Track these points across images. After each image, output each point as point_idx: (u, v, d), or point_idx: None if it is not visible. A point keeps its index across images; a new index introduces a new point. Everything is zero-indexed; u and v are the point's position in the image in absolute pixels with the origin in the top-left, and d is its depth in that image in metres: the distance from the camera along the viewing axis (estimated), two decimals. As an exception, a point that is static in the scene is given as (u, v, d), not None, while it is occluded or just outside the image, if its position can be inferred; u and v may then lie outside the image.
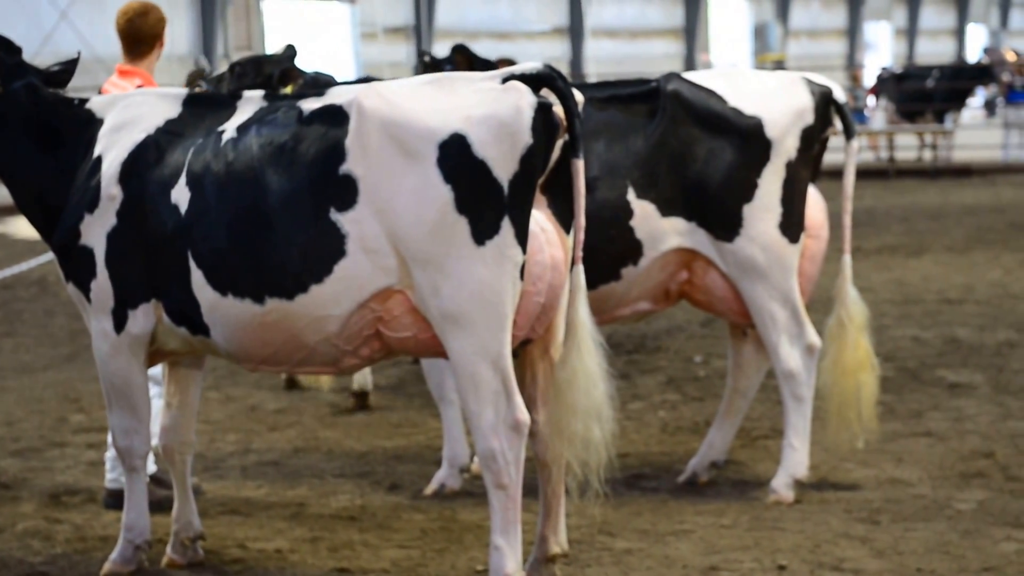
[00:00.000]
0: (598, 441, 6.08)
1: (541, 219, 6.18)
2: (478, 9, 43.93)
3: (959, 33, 67.18)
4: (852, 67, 47.72)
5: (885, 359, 11.04)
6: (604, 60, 43.44)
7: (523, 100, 5.94)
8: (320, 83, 8.61)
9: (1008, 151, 31.11)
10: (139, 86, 7.63)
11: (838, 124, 7.82)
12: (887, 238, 18.93)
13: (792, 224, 7.57)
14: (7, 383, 11.47)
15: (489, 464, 6.00)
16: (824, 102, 7.69)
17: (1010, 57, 38.50)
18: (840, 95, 7.81)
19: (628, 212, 7.45)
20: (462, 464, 8.08)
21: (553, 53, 42.86)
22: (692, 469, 8.09)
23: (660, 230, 7.50)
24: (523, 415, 6.00)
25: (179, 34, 33.27)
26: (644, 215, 7.48)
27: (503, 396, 5.95)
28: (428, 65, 11.08)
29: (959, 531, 7.06)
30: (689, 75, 7.82)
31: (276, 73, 8.91)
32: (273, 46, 30.78)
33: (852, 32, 59.14)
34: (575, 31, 45.05)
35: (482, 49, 41.88)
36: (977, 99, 39.14)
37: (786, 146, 7.54)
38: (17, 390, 11.16)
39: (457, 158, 5.91)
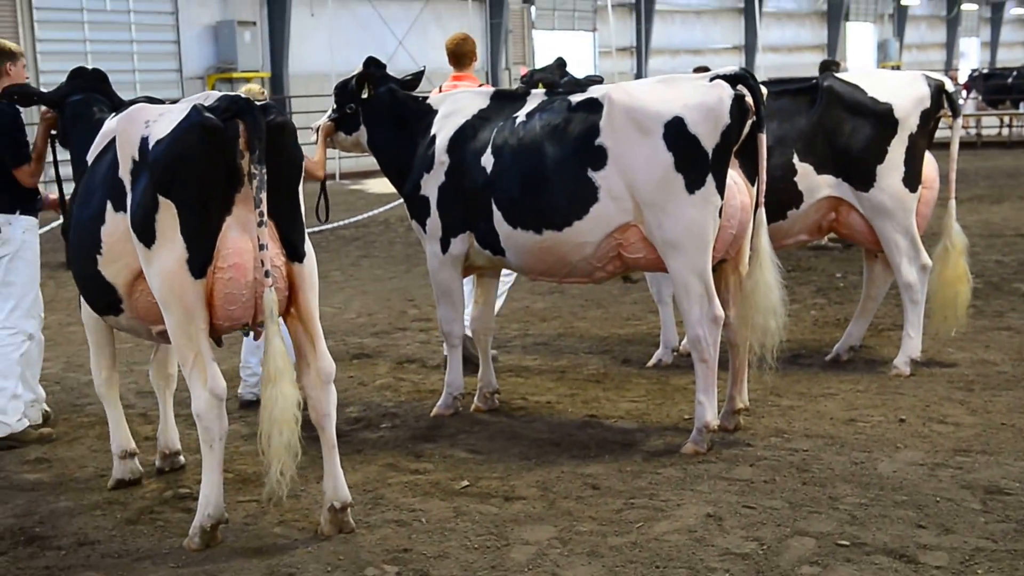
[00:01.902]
0: (773, 330, 6.02)
1: (734, 175, 6.09)
2: (680, 33, 43.24)
3: (1029, 44, 64.17)
4: (950, 70, 45.96)
5: (976, 276, 10.66)
6: (769, 68, 42.22)
7: (724, 92, 5.87)
8: (586, 83, 8.56)
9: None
10: (466, 86, 7.74)
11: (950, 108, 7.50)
12: (976, 191, 18.10)
13: (912, 179, 7.32)
14: (366, 287, 11.82)
15: (696, 345, 5.99)
16: (938, 92, 7.38)
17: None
18: (950, 86, 7.50)
19: (793, 171, 7.31)
20: (673, 345, 8.06)
21: (732, 64, 41.99)
22: (836, 351, 7.93)
23: (816, 184, 7.35)
24: (720, 312, 5.97)
25: (478, 52, 33.39)
26: (805, 173, 7.33)
27: (706, 298, 5.92)
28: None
29: (1032, 397, 6.79)
30: (839, 75, 7.62)
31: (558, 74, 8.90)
32: (542, 62, 30.77)
33: (950, 45, 56.92)
34: (749, 47, 44.08)
35: (681, 62, 41.42)
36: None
37: (909, 123, 7.29)
38: (372, 292, 11.49)
39: (676, 133, 5.85)
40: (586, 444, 6.22)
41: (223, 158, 4.69)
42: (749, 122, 5.94)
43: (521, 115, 6.41)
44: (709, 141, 5.85)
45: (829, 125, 7.35)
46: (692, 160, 5.86)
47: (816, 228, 7.59)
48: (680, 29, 43.45)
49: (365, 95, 6.96)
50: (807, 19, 49.14)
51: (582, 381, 7.62)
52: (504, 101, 6.62)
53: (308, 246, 5.04)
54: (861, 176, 7.30)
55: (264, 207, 4.65)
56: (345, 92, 7.02)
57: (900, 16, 53.05)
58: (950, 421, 6.39)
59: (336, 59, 25.81)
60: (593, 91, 6.26)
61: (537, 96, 6.56)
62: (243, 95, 4.87)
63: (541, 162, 6.18)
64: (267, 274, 4.69)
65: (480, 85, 8.02)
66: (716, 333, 5.99)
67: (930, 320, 7.55)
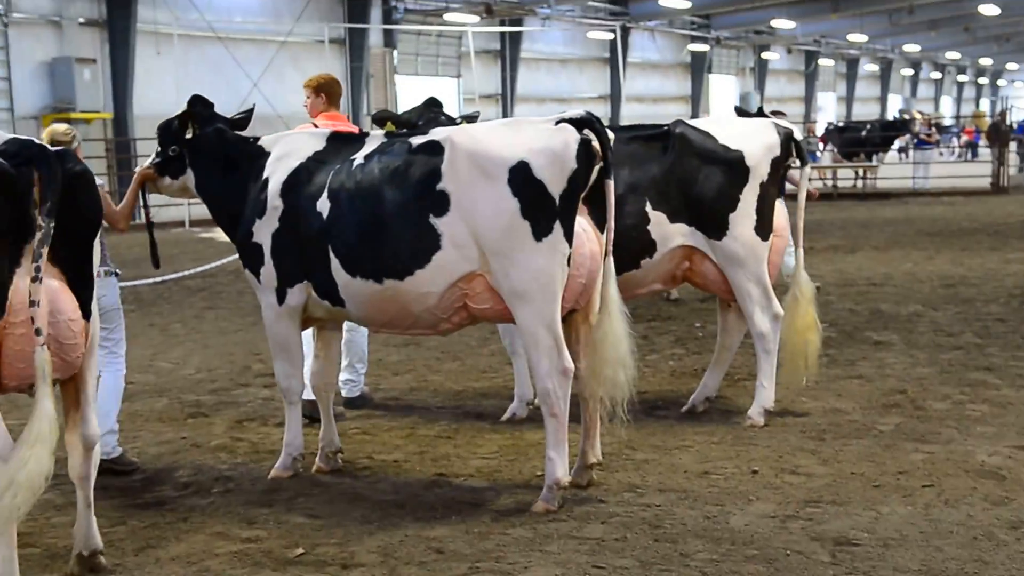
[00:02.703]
0: (623, 383, 5.92)
1: (583, 223, 6.00)
2: (545, 81, 43.77)
3: (882, 99, 66.76)
4: (808, 123, 47.42)
5: (830, 324, 10.94)
6: (634, 118, 42.98)
7: (570, 136, 5.78)
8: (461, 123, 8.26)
9: (916, 181, 30.68)
10: (335, 123, 7.66)
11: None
12: (831, 240, 18.57)
13: (763, 227, 7.35)
14: (209, 341, 11.40)
15: (545, 399, 5.85)
16: (787, 140, 7.46)
17: (917, 116, 37.87)
18: (798, 134, 7.58)
19: (646, 219, 7.28)
20: (528, 399, 7.91)
21: (598, 113, 42.28)
22: (692, 402, 7.89)
23: (670, 232, 7.33)
24: (570, 364, 5.84)
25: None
26: (658, 221, 7.31)
27: (555, 350, 5.79)
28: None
29: (881, 445, 6.81)
30: (691, 121, 7.64)
31: (425, 114, 8.65)
32: (404, 107, 30.70)
33: (808, 99, 58.89)
34: (614, 97, 44.80)
35: (547, 110, 41.84)
36: (896, 145, 38.66)
37: (760, 171, 7.32)
38: (215, 347, 11.07)
39: (522, 179, 5.73)
40: (433, 505, 6.01)
41: (13, 207, 4.41)
42: (597, 168, 5.86)
43: (359, 157, 6.21)
44: (556, 186, 5.75)
45: (682, 173, 7.34)
46: (538, 206, 5.74)
47: (670, 277, 7.58)
48: (546, 77, 43.97)
49: (190, 135, 6.68)
50: (671, 70, 50.28)
51: (432, 438, 7.41)
52: (341, 143, 6.43)
53: (94, 305, 4.88)
54: (714, 224, 7.30)
55: (42, 262, 4.40)
56: (168, 133, 6.74)
57: (761, 70, 54.69)
58: (802, 472, 6.36)
59: (184, 100, 25.17)
60: (434, 133, 6.11)
61: (376, 138, 6.37)
62: (39, 140, 4.61)
63: (380, 207, 5.99)
64: (38, 332, 4.42)
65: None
66: (566, 386, 5.85)
67: (782, 369, 7.58)
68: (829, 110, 61.65)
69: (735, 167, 7.30)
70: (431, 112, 8.56)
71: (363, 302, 6.15)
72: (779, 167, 7.44)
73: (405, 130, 7.38)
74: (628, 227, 7.05)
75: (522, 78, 42.01)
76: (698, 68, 50.10)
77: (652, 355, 9.83)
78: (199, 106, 6.72)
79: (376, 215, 5.99)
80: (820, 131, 38.84)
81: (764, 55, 54.38)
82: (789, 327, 7.49)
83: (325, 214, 6.14)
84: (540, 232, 5.73)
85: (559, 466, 5.85)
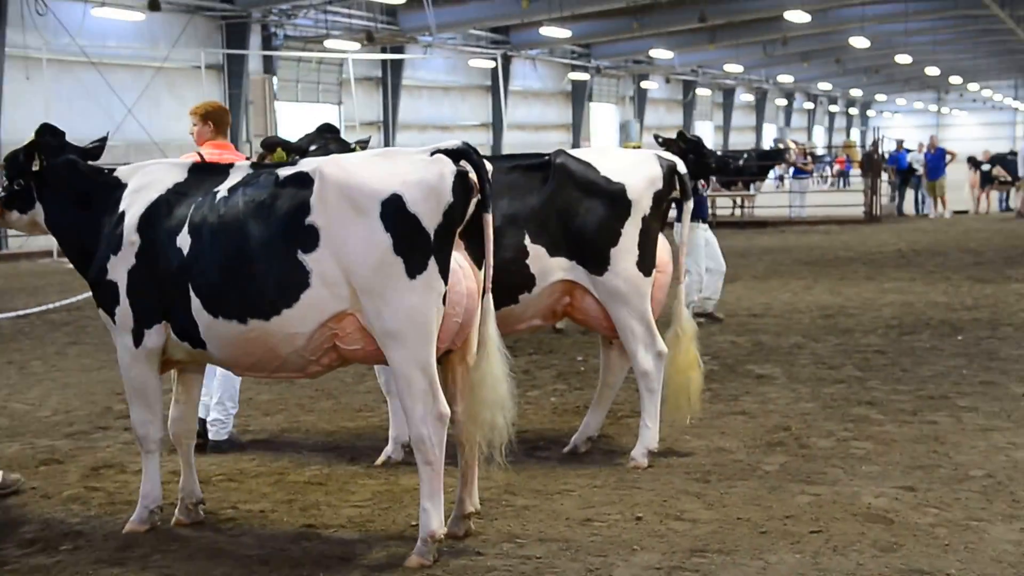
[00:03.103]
0: (502, 426, 5.61)
1: (460, 259, 5.69)
2: (427, 108, 43.62)
3: (758, 128, 68.07)
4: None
5: (712, 357, 10.81)
6: (516, 146, 43.05)
7: (445, 168, 5.48)
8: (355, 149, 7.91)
9: (792, 210, 31.13)
10: (222, 152, 7.46)
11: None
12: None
13: (646, 262, 7.13)
14: (69, 379, 10.73)
15: (419, 446, 5.49)
16: (670, 172, 7.26)
17: (792, 145, 38.50)
18: (682, 168, 7.39)
19: (525, 253, 7.01)
20: (404, 440, 7.53)
21: (480, 141, 42.52)
22: (574, 443, 7.60)
23: (549, 267, 7.06)
24: (445, 408, 5.51)
25: (214, 125, 32.45)
26: (537, 255, 7.03)
27: (430, 394, 5.45)
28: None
29: (767, 487, 6.61)
30: (573, 151, 7.40)
31: (317, 141, 8.14)
32: (285, 134, 30.09)
33: (686, 127, 59.58)
34: (496, 125, 44.80)
35: (430, 137, 41.88)
36: (772, 174, 39.29)
37: (642, 205, 7.11)
38: (75, 385, 10.42)
39: (395, 213, 5.40)
40: (299, 561, 5.60)
41: None
42: (474, 201, 5.57)
43: (223, 190, 5.79)
44: (430, 221, 5.43)
45: (562, 204, 7.09)
46: (412, 242, 5.42)
47: (550, 313, 7.31)
48: (428, 104, 43.82)
49: (36, 167, 6.19)
50: (553, 99, 50.58)
51: (302, 484, 6.99)
52: (204, 174, 5.99)
53: None
54: (595, 259, 7.07)
55: None
56: (15, 165, 6.24)
57: (640, 98, 55.37)
58: (687, 517, 6.12)
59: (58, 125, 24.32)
60: (303, 164, 5.73)
61: (241, 169, 5.96)
62: None
63: (245, 243, 5.58)
64: None
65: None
66: (442, 432, 5.51)
67: (665, 408, 7.36)
68: (707, 139, 62.29)
69: (617, 200, 7.07)
70: (323, 139, 8.19)
71: (227, 344, 5.73)
72: (662, 200, 7.24)
73: (275, 161, 7.01)
74: (506, 261, 6.78)
75: (404, 105, 41.79)
76: (579, 96, 50.50)
77: (534, 391, 9.56)
78: (47, 135, 6.23)
79: (240, 251, 5.58)
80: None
81: (643, 84, 55.08)
82: (671, 365, 7.29)
83: (185, 250, 5.71)
84: (414, 269, 5.41)
85: (434, 518, 5.50)
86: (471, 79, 45.61)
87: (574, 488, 6.72)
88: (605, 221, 7.05)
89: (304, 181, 5.58)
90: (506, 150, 43.79)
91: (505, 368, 5.65)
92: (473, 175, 5.54)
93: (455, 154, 5.55)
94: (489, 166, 5.67)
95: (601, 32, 44.40)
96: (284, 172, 5.71)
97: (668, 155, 7.43)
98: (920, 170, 31.61)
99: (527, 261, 7.02)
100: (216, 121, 7.87)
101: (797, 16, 39.65)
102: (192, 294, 5.69)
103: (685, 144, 12.21)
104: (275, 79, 35.05)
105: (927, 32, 47.97)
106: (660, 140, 12.40)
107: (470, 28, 41.04)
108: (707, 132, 63.33)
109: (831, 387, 9.32)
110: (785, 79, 62.94)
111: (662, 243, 7.36)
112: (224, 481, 7.09)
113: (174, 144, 28.53)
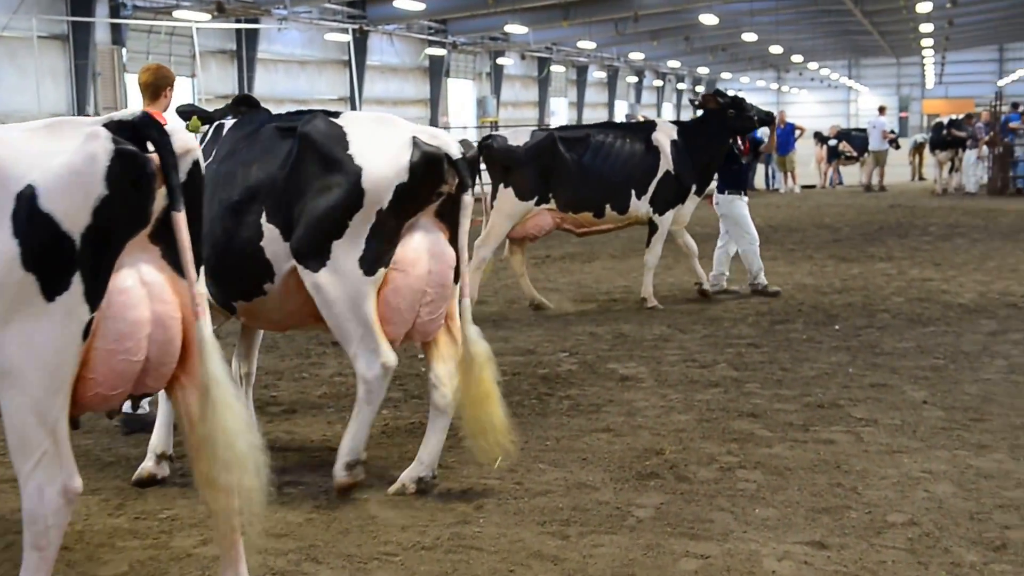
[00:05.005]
0: (256, 488, 3.91)
1: (146, 272, 3.89)
2: (284, 82, 41.15)
3: (610, 105, 67.23)
4: (541, 127, 46.63)
5: (569, 353, 9.17)
6: (374, 121, 41.08)
7: (99, 148, 3.65)
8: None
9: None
10: None
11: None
12: (568, 249, 16.93)
13: (371, 260, 5.39)
14: None
15: (30, 525, 3.81)
16: (427, 164, 5.43)
17: (640, 120, 37.36)
18: (455, 153, 5.53)
19: (260, 234, 5.49)
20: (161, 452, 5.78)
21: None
22: (402, 482, 5.79)
23: (283, 252, 5.49)
24: (73, 483, 3.80)
25: (60, 96, 29.93)
26: (272, 238, 5.49)
27: (54, 459, 3.77)
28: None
29: (642, 546, 4.91)
30: (347, 115, 5.66)
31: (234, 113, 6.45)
32: (135, 106, 27.62)
33: (542, 103, 58.46)
34: (354, 100, 42.63)
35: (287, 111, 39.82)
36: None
37: (379, 197, 5.37)
38: None
39: (26, 211, 3.58)
40: None
41: None
42: (160, 194, 3.78)
43: None
44: (73, 222, 3.64)
45: (299, 181, 5.46)
46: (47, 252, 3.64)
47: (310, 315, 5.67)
48: (284, 78, 41.46)
49: None
50: (410, 74, 48.63)
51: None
52: None
53: None
54: (314, 250, 5.43)
55: None
56: None
57: (497, 75, 53.81)
58: (541, 602, 4.40)
59: None
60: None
61: None
62: None
63: None
64: None
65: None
66: (66, 513, 3.82)
67: (475, 452, 5.60)
68: (562, 114, 61.43)
69: (351, 187, 5.37)
70: (239, 111, 6.45)
71: None
72: (411, 196, 5.43)
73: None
74: (243, 242, 5.45)
75: (260, 79, 39.23)
76: (436, 72, 48.65)
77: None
78: None
79: None
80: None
81: (500, 61, 53.47)
82: (465, 398, 5.51)
83: None
84: (50, 289, 3.65)
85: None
86: (328, 53, 43.32)
87: (396, 552, 4.94)
88: (332, 209, 5.38)
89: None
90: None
91: (243, 416, 3.93)
92: (155, 158, 3.75)
93: (126, 128, 3.72)
94: (187, 145, 3.95)
95: (456, 7, 42.58)
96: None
97: (439, 141, 5.57)
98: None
99: (262, 243, 5.50)
100: (150, 86, 7.18)
101: (648, -6, 38.38)
102: None
103: (723, 99, 11.47)
104: (124, 50, 32.39)
105: (771, 12, 47.36)
106: (696, 101, 11.71)
107: (325, 2, 38.73)
108: (562, 108, 62.27)
109: (706, 392, 7.72)
110: (636, 57, 61.86)
111: (421, 241, 5.57)
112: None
113: (16, 116, 25.75)
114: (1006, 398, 7.32)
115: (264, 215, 5.48)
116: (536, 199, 10.93)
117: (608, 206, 11.16)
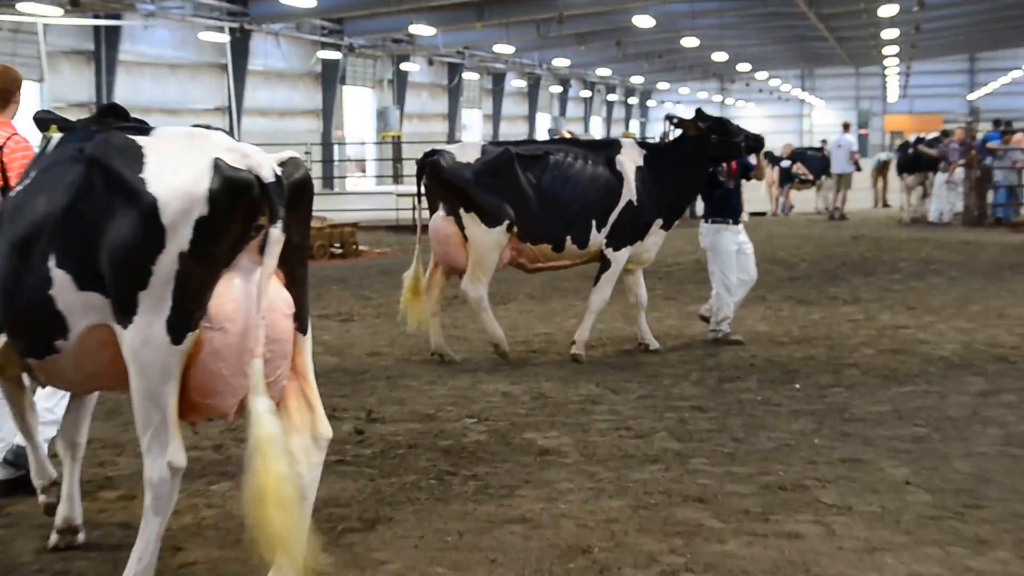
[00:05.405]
0: None
1: None
2: (150, 89, 40.36)
3: (531, 118, 67.37)
4: (452, 142, 46.37)
5: (478, 419, 8.72)
6: (257, 134, 40.34)
7: None
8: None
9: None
10: None
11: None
12: (480, 287, 16.38)
13: (180, 321, 4.82)
14: None
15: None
16: (230, 190, 4.85)
17: (567, 135, 37.27)
18: (268, 176, 4.91)
19: (48, 281, 4.95)
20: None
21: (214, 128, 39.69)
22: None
23: (78, 304, 4.95)
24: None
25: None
26: (63, 286, 4.94)
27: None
28: None
29: None
30: (156, 131, 5.15)
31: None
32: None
33: (453, 115, 58.23)
34: (232, 110, 41.95)
35: (154, 122, 39.34)
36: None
37: (179, 235, 4.79)
38: None
39: None
40: None
41: None
42: None
43: None
44: None
45: (90, 214, 4.92)
46: None
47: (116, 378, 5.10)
48: (151, 84, 40.70)
49: None
50: (300, 80, 48.13)
51: None
52: None
53: None
54: (121, 303, 4.88)
55: None
56: None
57: (400, 82, 53.45)
58: None
59: None
60: None
61: None
62: None
63: None
64: None
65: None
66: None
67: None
68: (475, 128, 61.32)
69: (148, 222, 4.80)
70: (105, 122, 5.72)
71: None
72: (214, 232, 4.85)
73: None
74: (29, 290, 5.01)
75: (121, 84, 38.44)
76: (330, 79, 48.15)
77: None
78: None
79: None
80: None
81: (404, 66, 53.13)
82: (250, 493, 4.71)
83: None
84: None
85: None
86: (204, 56, 42.59)
87: None
88: (131, 251, 4.82)
89: None
90: (245, 139, 40.99)
91: None
92: None
93: None
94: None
95: (353, 5, 42.20)
96: None
97: (251, 162, 4.94)
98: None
99: (51, 292, 4.95)
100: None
101: (574, -10, 38.40)
102: None
103: (705, 122, 11.06)
104: (-47, 51, 31.52)
105: (715, 14, 47.68)
106: (674, 121, 11.23)
107: (200, -4, 38.18)
108: (475, 121, 62.19)
109: (643, 470, 7.25)
110: (560, 63, 62.01)
111: (240, 288, 4.96)
112: None
113: None
114: (1004, 477, 6.99)
115: (53, 258, 4.91)
116: (508, 223, 10.57)
117: (569, 239, 10.80)
